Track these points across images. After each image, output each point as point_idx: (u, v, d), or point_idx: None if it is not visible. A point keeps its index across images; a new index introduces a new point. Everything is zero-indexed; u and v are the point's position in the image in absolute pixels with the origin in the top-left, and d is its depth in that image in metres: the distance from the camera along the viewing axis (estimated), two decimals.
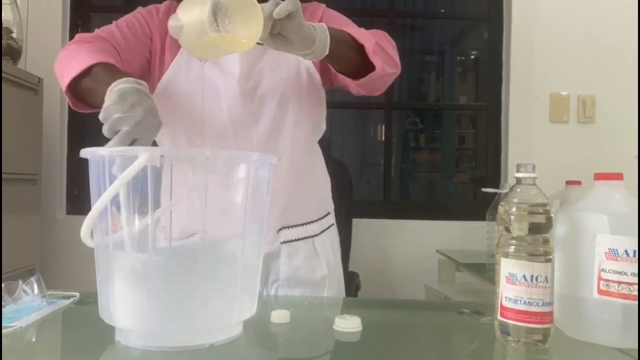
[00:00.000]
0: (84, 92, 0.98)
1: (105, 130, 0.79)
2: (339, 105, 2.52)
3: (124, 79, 0.85)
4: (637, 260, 0.72)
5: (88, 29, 2.46)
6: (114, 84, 0.84)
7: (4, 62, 1.87)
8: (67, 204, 2.45)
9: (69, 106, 2.35)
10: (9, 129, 1.83)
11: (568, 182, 1.70)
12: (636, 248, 0.72)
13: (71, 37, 2.39)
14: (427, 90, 3.02)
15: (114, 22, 1.13)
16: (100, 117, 0.80)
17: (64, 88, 0.98)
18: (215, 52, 0.89)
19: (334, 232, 1.26)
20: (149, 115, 0.80)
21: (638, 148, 2.25)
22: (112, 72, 0.93)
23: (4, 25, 1.96)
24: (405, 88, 2.81)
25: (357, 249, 2.03)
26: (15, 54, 2.02)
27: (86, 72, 0.95)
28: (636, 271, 0.72)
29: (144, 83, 0.87)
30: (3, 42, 1.95)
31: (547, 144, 2.40)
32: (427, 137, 2.92)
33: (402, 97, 2.78)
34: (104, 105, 0.80)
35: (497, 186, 2.14)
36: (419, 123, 2.91)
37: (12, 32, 1.99)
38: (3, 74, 1.80)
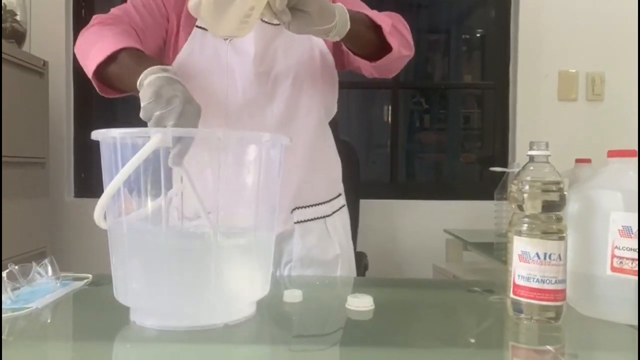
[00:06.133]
0: (110, 78, 0.98)
1: (150, 127, 0.79)
2: (344, 85, 2.50)
3: (150, 69, 0.85)
4: None
5: (91, 10, 2.44)
6: (142, 75, 0.85)
7: (9, 45, 1.86)
8: (75, 187, 2.46)
9: (74, 89, 2.38)
10: (15, 112, 1.84)
11: (577, 161, 1.69)
12: None
13: (75, 19, 2.39)
14: (433, 70, 2.99)
15: (129, 1, 1.11)
16: (142, 116, 0.80)
17: (89, 74, 0.98)
18: (234, 20, 0.86)
19: (344, 213, 1.27)
20: (187, 105, 0.80)
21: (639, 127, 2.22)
22: (138, 58, 0.93)
23: (7, 7, 1.95)
24: (411, 68, 2.79)
25: (364, 230, 2.04)
26: (20, 36, 2.01)
27: (111, 58, 0.94)
28: None
29: (170, 68, 0.87)
30: (7, 25, 1.94)
31: (555, 123, 2.39)
32: (433, 117, 2.90)
33: (408, 77, 2.76)
34: (142, 104, 0.80)
35: (504, 165, 2.13)
36: (423, 103, 2.89)
37: (15, 14, 1.98)
38: (9, 58, 1.79)
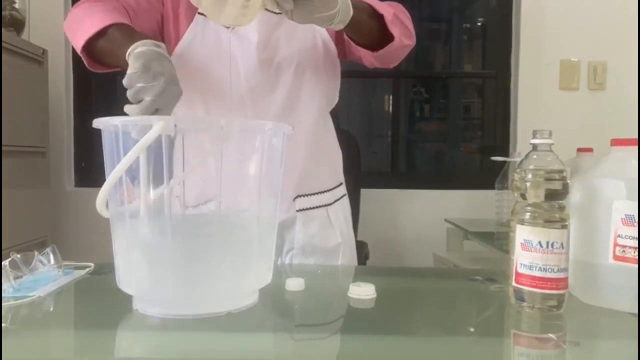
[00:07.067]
0: (99, 52, 0.98)
1: (129, 96, 0.81)
2: (344, 74, 2.49)
3: (141, 42, 0.85)
4: None
5: None
6: (132, 46, 0.85)
7: (8, 33, 1.85)
8: (75, 177, 2.46)
9: (74, 78, 2.37)
10: (15, 101, 1.83)
11: (579, 150, 1.69)
12: None
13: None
14: (433, 59, 2.98)
15: None
16: (124, 82, 0.81)
17: (78, 48, 0.98)
18: (235, 7, 0.86)
19: (346, 202, 1.27)
20: (170, 85, 0.81)
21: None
22: (128, 33, 0.93)
23: None
24: (411, 57, 2.78)
25: (365, 219, 2.04)
26: (19, 25, 2.00)
27: (101, 33, 0.94)
28: None
29: (162, 45, 0.87)
30: (6, 13, 1.92)
31: (556, 112, 2.38)
32: (433, 107, 2.89)
33: (409, 66, 2.75)
34: (128, 72, 0.81)
35: (505, 155, 2.13)
36: (424, 93, 2.88)
37: (14, 2, 1.97)
38: (8, 46, 1.78)
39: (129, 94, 0.81)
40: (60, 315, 0.80)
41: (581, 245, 0.78)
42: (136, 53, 0.83)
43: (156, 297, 0.73)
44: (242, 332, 0.69)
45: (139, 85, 0.79)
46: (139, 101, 0.80)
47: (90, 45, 0.96)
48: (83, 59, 1.01)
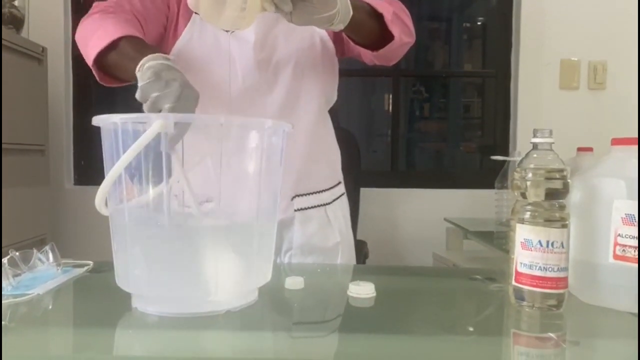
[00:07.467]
0: (110, 66, 0.97)
1: (145, 109, 0.77)
2: (344, 73, 2.48)
3: (151, 56, 0.84)
4: None
5: None
6: (142, 61, 0.84)
7: (7, 31, 1.85)
8: (75, 175, 2.46)
9: (73, 76, 2.36)
10: (14, 99, 1.83)
11: (579, 149, 1.69)
12: None
13: (73, 5, 2.37)
14: (433, 58, 2.98)
15: None
16: (138, 96, 0.78)
17: (89, 62, 0.97)
18: (233, 11, 0.86)
19: (344, 201, 1.27)
20: (186, 89, 0.78)
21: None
22: (139, 46, 0.92)
23: None
24: (411, 56, 2.77)
25: (365, 218, 2.04)
26: (18, 22, 2.00)
27: (112, 46, 0.93)
28: None
29: (172, 58, 0.86)
30: (6, 10, 1.92)
31: (556, 111, 2.38)
32: (433, 106, 2.89)
33: (409, 65, 2.75)
34: (140, 84, 0.79)
35: (505, 154, 2.13)
36: (424, 92, 2.88)
37: (14, 0, 1.96)
38: (7, 44, 1.78)
39: (145, 106, 0.77)
40: (59, 313, 0.80)
41: (581, 244, 0.77)
42: (145, 67, 0.82)
43: (155, 295, 0.72)
44: (241, 331, 0.69)
45: (154, 95, 0.76)
46: (158, 111, 0.76)
47: (101, 57, 0.95)
48: (94, 72, 1.00)
